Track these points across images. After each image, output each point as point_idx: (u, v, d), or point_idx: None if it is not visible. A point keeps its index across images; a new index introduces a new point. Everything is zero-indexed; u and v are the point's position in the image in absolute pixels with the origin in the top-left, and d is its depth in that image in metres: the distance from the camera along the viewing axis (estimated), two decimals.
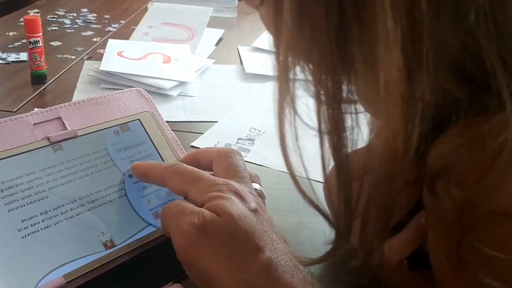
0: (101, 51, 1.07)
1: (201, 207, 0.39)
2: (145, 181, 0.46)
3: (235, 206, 0.38)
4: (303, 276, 0.37)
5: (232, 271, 0.36)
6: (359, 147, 0.34)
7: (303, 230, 0.57)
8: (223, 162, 0.44)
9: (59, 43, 1.15)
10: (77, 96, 0.87)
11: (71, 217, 0.42)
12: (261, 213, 0.40)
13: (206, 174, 0.42)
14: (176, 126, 0.78)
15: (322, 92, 0.33)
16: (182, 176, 0.42)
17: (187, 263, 0.38)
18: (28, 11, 1.38)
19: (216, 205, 0.38)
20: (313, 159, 0.34)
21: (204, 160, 0.46)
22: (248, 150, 0.74)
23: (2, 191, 0.40)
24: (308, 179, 0.36)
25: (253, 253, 0.37)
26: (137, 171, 0.45)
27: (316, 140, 0.34)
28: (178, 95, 0.90)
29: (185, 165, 0.43)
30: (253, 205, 0.40)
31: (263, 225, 0.39)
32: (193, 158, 0.47)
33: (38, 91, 0.89)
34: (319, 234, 0.55)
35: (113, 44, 1.03)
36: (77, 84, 0.92)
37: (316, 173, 0.35)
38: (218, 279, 0.36)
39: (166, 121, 0.53)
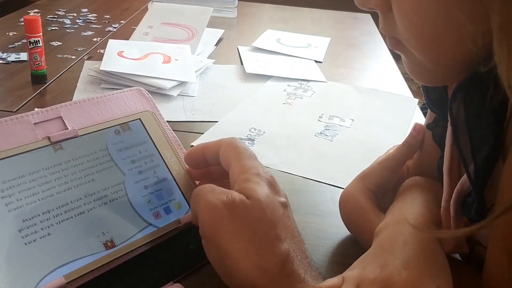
0: (101, 51, 1.07)
1: (234, 186, 0.40)
2: (200, 159, 0.47)
3: (265, 194, 0.39)
4: (315, 274, 0.38)
5: (251, 254, 0.37)
6: None
7: (303, 230, 0.57)
8: (232, 149, 0.45)
9: (59, 43, 1.15)
10: (77, 96, 0.87)
11: (71, 217, 0.42)
12: (288, 209, 0.41)
13: (254, 157, 0.43)
14: (176, 126, 0.78)
15: None
16: (235, 149, 0.43)
17: (208, 238, 0.39)
18: (28, 11, 1.37)
19: (248, 189, 0.39)
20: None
21: (210, 153, 0.46)
22: None
23: (3, 191, 0.40)
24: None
25: (274, 242, 0.37)
26: (193, 152, 0.47)
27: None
28: (178, 95, 0.90)
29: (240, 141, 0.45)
30: (283, 199, 0.41)
31: (289, 219, 0.40)
32: (198, 152, 0.48)
33: (38, 91, 0.89)
34: (319, 234, 0.55)
35: (113, 44, 1.03)
36: (77, 84, 0.92)
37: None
38: (235, 258, 0.37)
39: (166, 121, 0.53)
